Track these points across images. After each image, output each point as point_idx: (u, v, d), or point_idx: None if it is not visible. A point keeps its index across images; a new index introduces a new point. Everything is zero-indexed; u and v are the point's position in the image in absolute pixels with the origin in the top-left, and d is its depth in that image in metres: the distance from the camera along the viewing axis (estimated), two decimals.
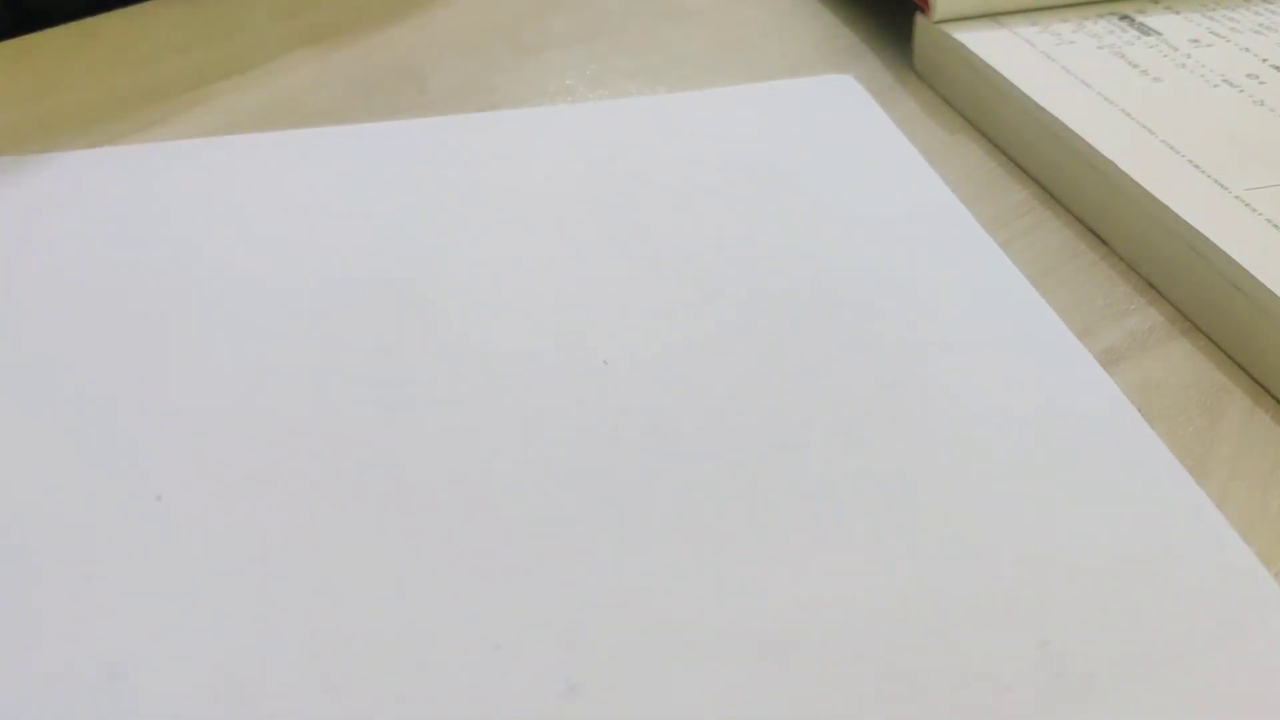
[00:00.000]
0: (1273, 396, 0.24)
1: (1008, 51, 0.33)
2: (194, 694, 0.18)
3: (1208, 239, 0.25)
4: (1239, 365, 0.24)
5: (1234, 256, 0.24)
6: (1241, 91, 0.30)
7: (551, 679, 0.18)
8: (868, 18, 0.40)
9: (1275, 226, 0.25)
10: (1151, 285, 0.27)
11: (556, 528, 0.21)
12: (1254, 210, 0.26)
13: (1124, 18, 0.35)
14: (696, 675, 0.18)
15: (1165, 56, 0.32)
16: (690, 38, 0.38)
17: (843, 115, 0.33)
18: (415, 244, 0.28)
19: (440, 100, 0.35)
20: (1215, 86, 0.31)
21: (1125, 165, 0.27)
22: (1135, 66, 0.32)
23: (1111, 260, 0.28)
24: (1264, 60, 0.32)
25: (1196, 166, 0.27)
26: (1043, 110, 0.30)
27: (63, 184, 0.30)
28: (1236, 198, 0.26)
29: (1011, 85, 0.31)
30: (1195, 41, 0.33)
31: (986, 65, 0.32)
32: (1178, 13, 0.35)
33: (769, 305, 0.26)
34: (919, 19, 0.35)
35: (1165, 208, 0.26)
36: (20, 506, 0.21)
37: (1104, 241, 0.28)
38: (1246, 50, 0.33)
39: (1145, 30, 0.34)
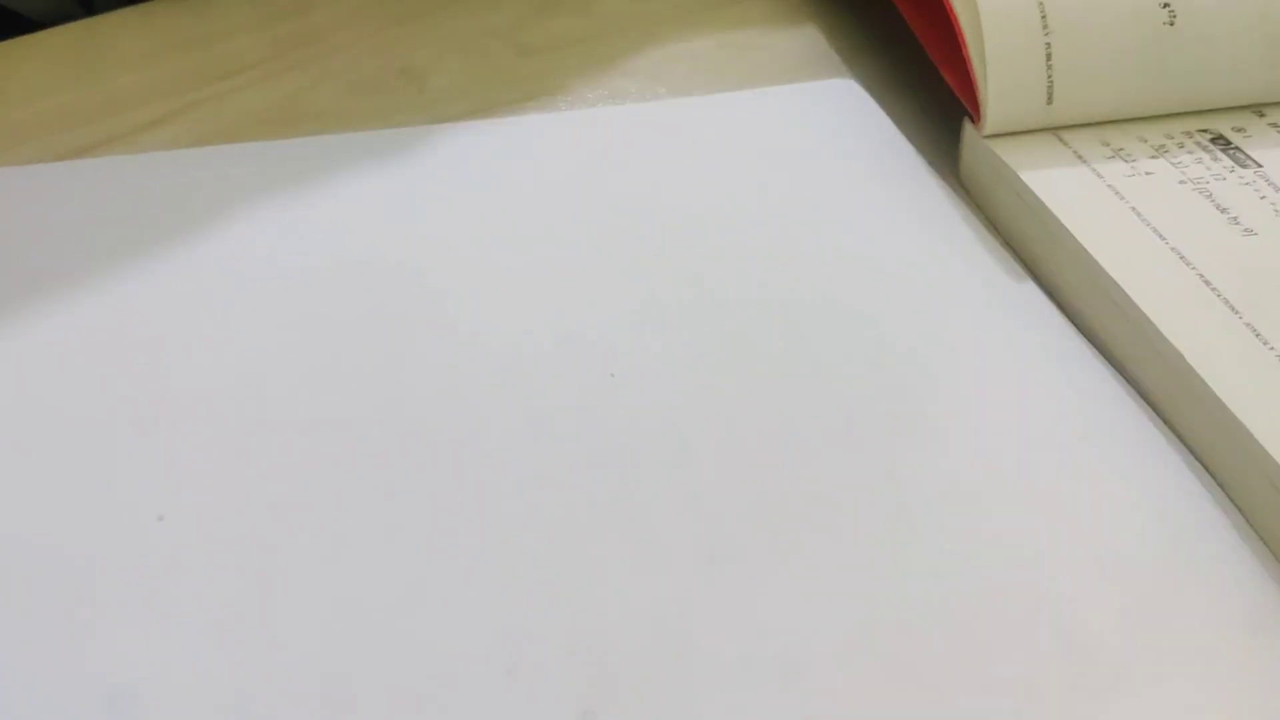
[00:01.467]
0: None
1: (1067, 184, 0.27)
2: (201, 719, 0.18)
3: None
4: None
5: None
6: None
7: (566, 705, 0.18)
8: (868, 19, 0.38)
9: None
10: (1221, 488, 0.22)
11: (568, 549, 0.20)
12: None
13: (1217, 139, 0.29)
14: (715, 698, 0.18)
15: (1263, 198, 0.27)
16: (689, 39, 0.37)
17: (845, 119, 0.32)
18: (415, 254, 0.27)
19: (440, 101, 0.34)
20: None
21: (1196, 361, 0.22)
22: (1224, 211, 0.26)
23: None
24: None
25: None
26: (1103, 272, 0.24)
27: (56, 193, 0.29)
28: None
29: (1068, 232, 0.26)
30: None
31: (1039, 201, 0.26)
32: None
33: (776, 312, 0.25)
34: (966, 127, 0.30)
35: (1240, 425, 0.21)
36: (18, 529, 0.21)
37: (1173, 429, 0.23)
38: None
39: (1241, 161, 0.28)
